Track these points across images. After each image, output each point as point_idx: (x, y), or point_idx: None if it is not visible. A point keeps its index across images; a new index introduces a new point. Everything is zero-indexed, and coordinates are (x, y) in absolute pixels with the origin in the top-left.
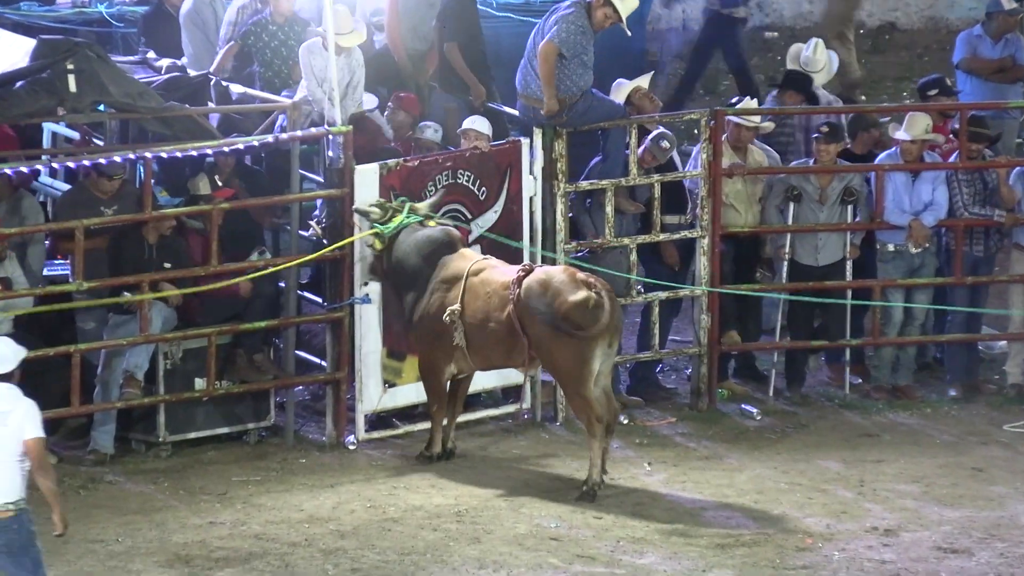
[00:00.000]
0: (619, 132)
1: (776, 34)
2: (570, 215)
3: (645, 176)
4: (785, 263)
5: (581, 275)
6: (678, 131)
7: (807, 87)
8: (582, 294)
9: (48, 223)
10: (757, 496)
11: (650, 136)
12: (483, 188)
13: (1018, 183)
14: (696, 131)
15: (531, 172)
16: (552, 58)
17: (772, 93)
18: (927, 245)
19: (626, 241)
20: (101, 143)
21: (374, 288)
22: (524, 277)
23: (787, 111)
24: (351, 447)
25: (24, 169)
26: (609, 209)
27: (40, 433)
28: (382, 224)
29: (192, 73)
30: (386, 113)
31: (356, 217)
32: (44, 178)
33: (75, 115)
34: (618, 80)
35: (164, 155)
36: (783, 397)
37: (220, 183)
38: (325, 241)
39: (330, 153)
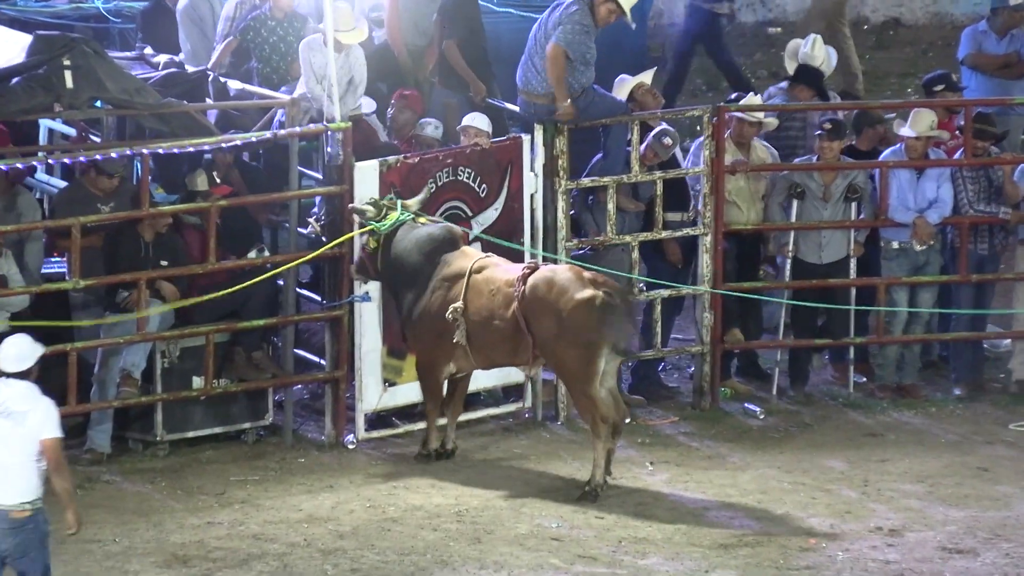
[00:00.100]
0: (620, 129)
1: (779, 29)
2: (572, 212)
3: (647, 173)
4: (788, 261)
5: (588, 273)
6: (681, 127)
7: (818, 82)
8: (588, 292)
9: (45, 220)
10: (760, 496)
11: (652, 133)
12: (484, 185)
13: (1023, 180)
14: (699, 127)
15: (532, 169)
16: (561, 61)
17: (779, 85)
18: (932, 242)
19: (628, 239)
20: (98, 140)
21: (374, 286)
22: (529, 274)
23: (789, 108)
24: (350, 446)
25: (19, 165)
26: (611, 206)
27: (57, 434)
28: (377, 222)
29: (190, 69)
30: (391, 112)
31: (356, 216)
32: (41, 175)
33: (72, 112)
34: (621, 76)
35: (161, 151)
36: (787, 396)
37: (218, 179)
38: (324, 238)
39: (329, 150)
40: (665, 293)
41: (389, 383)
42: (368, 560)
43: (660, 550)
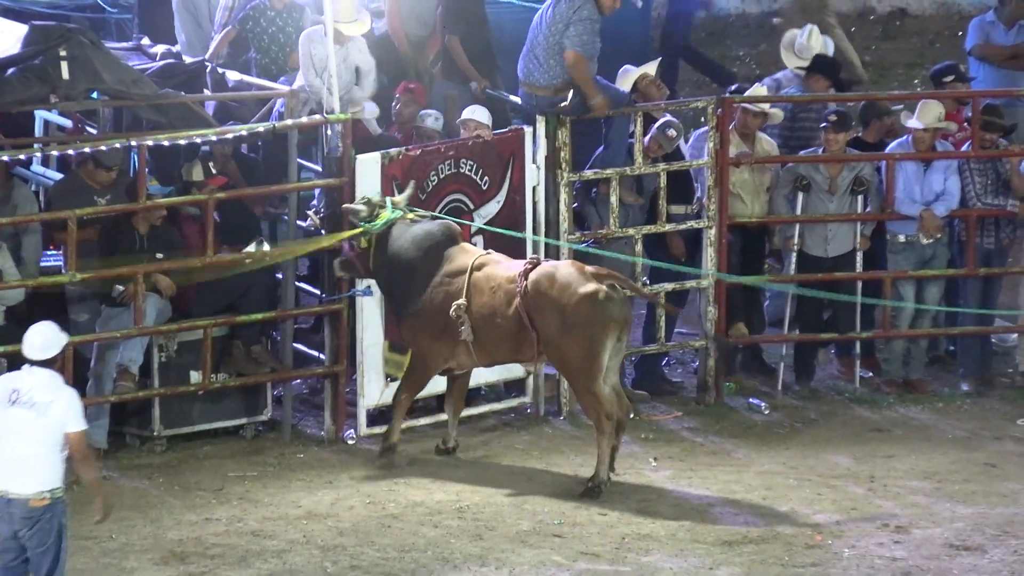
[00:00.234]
0: (622, 120)
1: (783, 20)
2: (574, 205)
3: (651, 165)
4: (794, 254)
5: (590, 268)
6: (685, 119)
7: (835, 72)
8: (591, 286)
9: (41, 213)
10: (765, 492)
11: (656, 124)
12: (486, 178)
13: None
14: (703, 119)
15: (534, 161)
16: (583, 64)
17: (774, 76)
18: (939, 236)
19: (631, 232)
20: (94, 131)
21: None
22: (531, 270)
23: (793, 99)
24: (350, 442)
25: (5, 158)
26: (614, 199)
27: (82, 425)
28: (369, 221)
29: (187, 60)
30: (396, 107)
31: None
32: (37, 167)
33: (68, 103)
34: (625, 67)
35: (166, 143)
36: (792, 391)
37: (214, 171)
38: (323, 231)
39: (329, 133)
40: (669, 286)
41: (391, 378)
42: (368, 557)
43: (664, 547)
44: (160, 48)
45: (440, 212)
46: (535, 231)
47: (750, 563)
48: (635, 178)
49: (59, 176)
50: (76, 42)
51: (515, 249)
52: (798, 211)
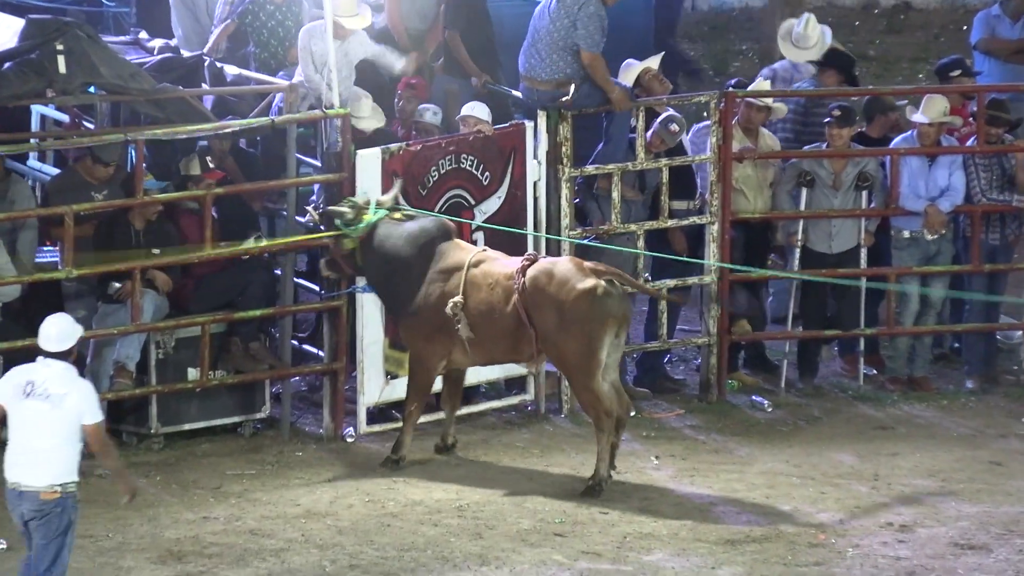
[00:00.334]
0: (623, 115)
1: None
2: (576, 201)
3: (653, 160)
4: (797, 250)
5: (589, 264)
6: (687, 114)
7: (848, 67)
8: (589, 282)
9: (38, 208)
10: (768, 491)
11: (659, 119)
12: (487, 173)
13: None
14: (705, 113)
15: (535, 156)
16: (599, 63)
17: (771, 67)
18: (943, 231)
19: (633, 227)
20: (92, 126)
21: None
22: (528, 267)
23: (796, 94)
24: (349, 440)
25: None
26: (616, 195)
27: (98, 417)
28: (351, 224)
29: (185, 54)
30: (398, 103)
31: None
32: (33, 162)
33: (65, 97)
34: (627, 61)
35: (154, 137)
36: (795, 389)
37: (211, 166)
38: (322, 227)
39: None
40: (671, 282)
41: (391, 375)
42: (367, 556)
43: (665, 546)
44: (158, 42)
45: (441, 208)
46: (536, 227)
47: (753, 562)
48: (637, 173)
49: (55, 171)
50: (73, 36)
51: (516, 245)
52: (802, 207)
